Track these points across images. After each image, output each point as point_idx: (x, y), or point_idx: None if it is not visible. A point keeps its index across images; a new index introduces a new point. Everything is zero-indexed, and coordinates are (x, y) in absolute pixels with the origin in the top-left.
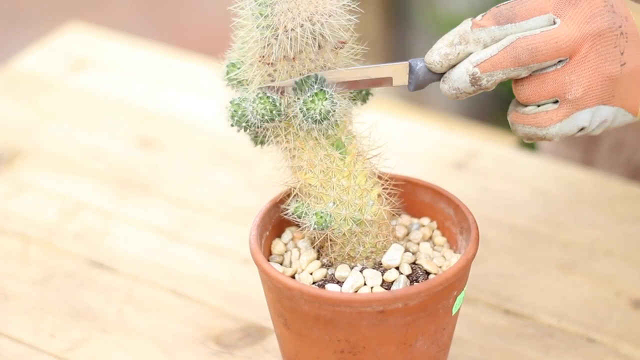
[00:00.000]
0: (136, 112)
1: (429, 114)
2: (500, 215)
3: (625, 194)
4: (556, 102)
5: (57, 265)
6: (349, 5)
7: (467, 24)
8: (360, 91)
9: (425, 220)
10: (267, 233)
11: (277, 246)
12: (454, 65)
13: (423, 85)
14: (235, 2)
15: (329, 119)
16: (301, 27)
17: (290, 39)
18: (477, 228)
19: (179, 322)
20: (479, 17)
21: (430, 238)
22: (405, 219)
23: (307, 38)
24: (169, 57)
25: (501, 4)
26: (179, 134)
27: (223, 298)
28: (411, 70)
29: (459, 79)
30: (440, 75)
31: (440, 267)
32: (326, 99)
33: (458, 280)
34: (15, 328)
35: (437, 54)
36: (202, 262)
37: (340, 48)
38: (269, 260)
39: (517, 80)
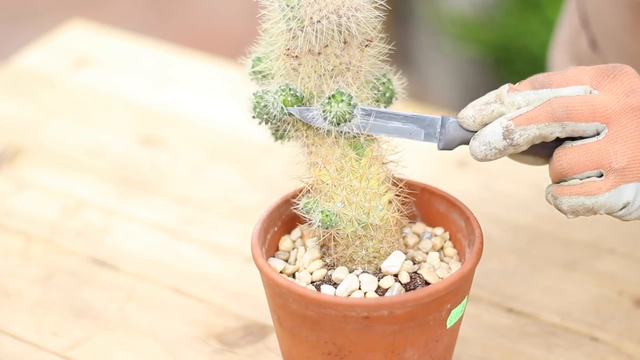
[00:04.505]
0: (138, 110)
1: (431, 111)
2: (503, 214)
3: None
4: (600, 175)
5: (59, 263)
6: (376, 1)
7: (504, 88)
8: (384, 93)
9: (438, 230)
10: (276, 229)
11: (284, 242)
12: (486, 124)
13: (452, 143)
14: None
15: (347, 120)
16: (327, 19)
17: (316, 31)
18: (481, 243)
19: (181, 320)
20: (517, 84)
21: (442, 248)
22: (419, 226)
23: (333, 31)
24: (172, 54)
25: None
26: (181, 132)
27: (225, 296)
28: (442, 124)
29: (491, 132)
30: (471, 135)
31: (441, 278)
32: (342, 100)
33: (451, 293)
34: (17, 326)
35: (471, 109)
36: (204, 260)
37: (367, 46)
38: (274, 256)
39: (560, 150)
